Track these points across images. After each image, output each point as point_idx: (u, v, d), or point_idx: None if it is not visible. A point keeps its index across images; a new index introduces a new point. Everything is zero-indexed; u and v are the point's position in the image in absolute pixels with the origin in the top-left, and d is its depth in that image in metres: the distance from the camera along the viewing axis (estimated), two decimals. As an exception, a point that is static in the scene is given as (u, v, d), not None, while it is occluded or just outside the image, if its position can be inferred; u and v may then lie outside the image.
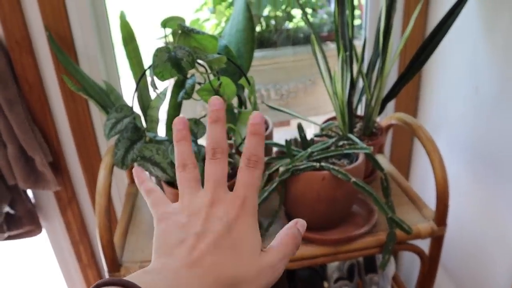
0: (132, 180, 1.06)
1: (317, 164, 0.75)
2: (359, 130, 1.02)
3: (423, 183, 1.24)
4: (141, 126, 0.87)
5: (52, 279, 1.36)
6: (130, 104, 0.86)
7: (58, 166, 1.06)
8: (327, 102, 1.48)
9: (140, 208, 0.98)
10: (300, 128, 0.87)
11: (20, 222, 1.12)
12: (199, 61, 0.75)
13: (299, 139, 0.87)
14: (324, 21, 1.35)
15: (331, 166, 0.75)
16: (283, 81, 1.30)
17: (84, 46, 0.95)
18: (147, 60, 1.01)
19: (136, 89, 0.83)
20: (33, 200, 1.14)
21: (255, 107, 0.80)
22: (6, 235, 1.12)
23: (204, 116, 0.86)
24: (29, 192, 1.13)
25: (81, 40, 0.94)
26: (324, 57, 0.99)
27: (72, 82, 0.89)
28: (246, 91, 0.83)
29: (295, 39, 1.33)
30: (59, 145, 1.04)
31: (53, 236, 1.19)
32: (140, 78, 0.82)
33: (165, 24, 0.76)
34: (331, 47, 1.27)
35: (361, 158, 0.79)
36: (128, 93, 1.04)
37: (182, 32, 0.74)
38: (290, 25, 1.36)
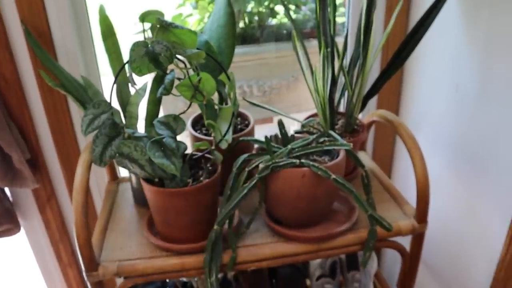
0: (112, 178, 1.04)
1: (297, 161, 0.75)
2: (341, 127, 1.02)
3: (405, 180, 1.25)
4: (120, 122, 0.85)
5: (32, 279, 1.34)
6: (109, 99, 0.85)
7: (36, 163, 1.04)
8: (310, 99, 1.47)
9: (120, 205, 0.96)
10: (280, 124, 0.87)
11: (-3, 220, 1.09)
12: (179, 56, 0.74)
13: (279, 135, 0.86)
14: (307, 17, 1.34)
15: (311, 163, 0.74)
16: (266, 77, 1.29)
17: (63, 40, 0.93)
18: (127, 56, 0.99)
19: (114, 84, 0.82)
20: (11, 198, 1.12)
21: (235, 104, 0.80)
22: (-17, 233, 1.09)
23: (184, 112, 0.85)
24: (7, 190, 1.11)
25: (59, 34, 0.92)
26: (306, 53, 0.99)
27: (49, 78, 0.87)
28: (227, 87, 0.82)
29: (278, 35, 1.32)
30: (37, 142, 1.02)
31: (32, 235, 1.17)
32: (118, 73, 0.81)
33: (143, 18, 0.75)
34: (313, 43, 1.27)
35: (341, 154, 0.79)
36: (109, 89, 1.03)
37: (161, 26, 0.73)
38: (273, 21, 1.35)
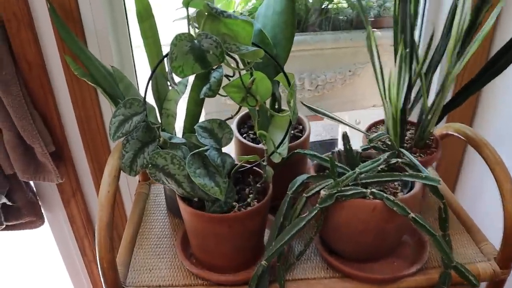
0: (144, 177, 0.93)
1: (368, 191, 0.61)
2: (410, 139, 0.86)
3: (472, 205, 1.08)
4: (155, 125, 0.73)
5: (56, 272, 1.27)
6: (143, 94, 0.72)
7: (62, 156, 0.94)
8: (366, 95, 1.32)
9: (150, 213, 0.85)
10: (345, 138, 0.72)
11: (19, 212, 1.01)
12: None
13: (343, 151, 0.72)
14: (370, 4, 1.17)
15: (385, 195, 0.60)
16: (319, 70, 1.14)
17: (93, 22, 0.80)
18: (166, 41, 0.86)
19: (151, 78, 0.69)
20: (35, 190, 1.03)
21: (294, 112, 0.65)
22: (3, 225, 1.02)
23: (231, 117, 0.72)
24: (32, 182, 1.02)
25: (89, 15, 0.79)
26: (377, 52, 0.83)
27: (76, 65, 0.75)
28: (288, 95, 0.68)
29: (335, 22, 1.16)
30: (63, 133, 0.92)
31: (56, 229, 1.09)
32: (156, 66, 0.68)
33: (187, 2, 0.61)
34: (376, 35, 1.10)
35: (418, 186, 0.64)
36: (144, 80, 0.91)
37: (209, 14, 0.59)
38: (329, 6, 1.19)
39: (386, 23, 1.19)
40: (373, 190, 0.61)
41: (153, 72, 0.68)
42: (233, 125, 0.85)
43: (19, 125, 0.84)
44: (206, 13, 0.59)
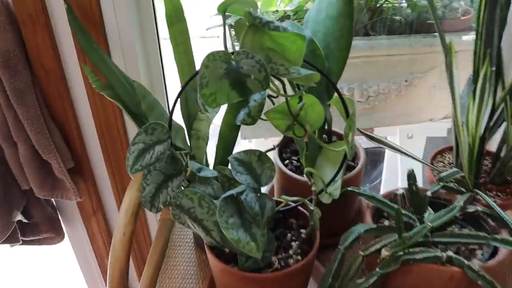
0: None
1: (443, 256, 0.48)
2: (485, 172, 0.72)
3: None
4: (182, 151, 0.62)
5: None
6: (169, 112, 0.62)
7: (81, 172, 0.85)
8: (424, 108, 1.16)
9: (176, 246, 0.74)
10: (411, 177, 0.59)
11: (37, 228, 0.93)
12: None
13: (406, 191, 0.58)
14: (434, 4, 1.01)
15: (466, 262, 0.47)
16: (372, 80, 0.99)
17: (117, 25, 0.70)
18: (198, 49, 0.75)
19: (178, 97, 0.58)
20: (55, 204, 0.95)
21: (351, 148, 0.52)
22: (20, 242, 0.94)
23: (273, 148, 0.60)
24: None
25: (112, 17, 0.69)
26: (450, 63, 0.68)
27: (95, 76, 0.65)
28: (346, 127, 0.55)
29: (391, 25, 1.01)
30: (83, 148, 0.83)
31: (77, 246, 1.01)
32: (185, 84, 0.56)
33: (224, 8, 0.49)
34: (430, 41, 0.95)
35: (504, 252, 0.50)
36: (174, 94, 0.80)
37: (252, 25, 0.46)
38: (384, 5, 1.04)
39: (451, 26, 1.04)
40: (450, 254, 0.48)
41: (181, 91, 0.57)
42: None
43: (34, 139, 0.76)
44: (248, 23, 0.47)
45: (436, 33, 0.99)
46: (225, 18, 0.49)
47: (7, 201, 0.85)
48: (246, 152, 0.56)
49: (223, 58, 0.42)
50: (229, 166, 0.55)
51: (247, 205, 0.51)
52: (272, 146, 0.58)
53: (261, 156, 0.55)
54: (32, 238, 0.95)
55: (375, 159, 1.68)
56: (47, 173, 0.82)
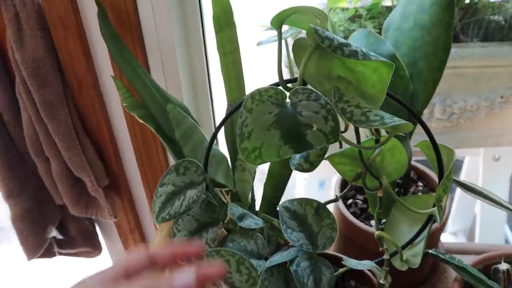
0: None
1: None
2: None
3: None
4: (223, 187, 0.51)
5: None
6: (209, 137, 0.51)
7: (118, 189, 0.77)
8: (519, 129, 0.97)
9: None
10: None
11: (74, 243, 0.87)
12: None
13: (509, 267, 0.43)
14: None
15: None
16: (458, 94, 0.83)
17: (156, 33, 0.59)
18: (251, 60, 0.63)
19: (220, 127, 0.46)
20: (93, 217, 0.89)
21: (441, 213, 0.38)
22: (57, 255, 0.89)
23: (336, 199, 0.47)
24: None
25: (151, 24, 0.59)
26: None
27: (127, 92, 0.55)
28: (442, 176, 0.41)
29: (487, 29, 0.82)
30: (119, 165, 0.74)
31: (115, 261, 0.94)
32: (232, 111, 0.45)
33: (281, 21, 0.36)
34: None
35: None
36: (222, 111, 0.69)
37: (317, 46, 0.34)
38: (479, 3, 0.85)
39: None
40: None
41: (225, 119, 0.46)
42: (334, 184, 0.60)
43: (66, 155, 0.68)
44: (311, 44, 0.34)
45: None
46: (281, 36, 0.36)
47: (41, 217, 0.79)
48: (301, 201, 0.43)
49: (274, 99, 0.30)
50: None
51: (297, 279, 0.39)
52: (335, 197, 0.45)
53: (320, 209, 0.43)
54: (69, 251, 0.90)
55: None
56: (81, 191, 0.75)
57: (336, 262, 0.45)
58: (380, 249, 0.42)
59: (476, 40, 0.81)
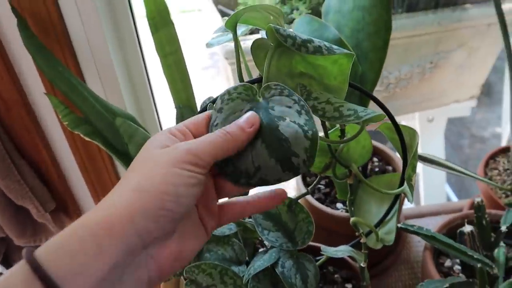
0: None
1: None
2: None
3: None
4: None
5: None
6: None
7: (67, 210, 0.72)
8: (448, 91, 1.03)
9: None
10: (479, 209, 0.47)
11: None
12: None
13: (474, 230, 0.46)
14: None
15: None
16: (392, 65, 0.86)
17: (86, 37, 0.54)
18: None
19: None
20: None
21: (412, 188, 0.40)
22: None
23: (306, 193, 0.47)
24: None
25: (79, 28, 0.54)
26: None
27: (65, 108, 0.51)
28: (408, 169, 0.41)
29: (410, 1, 0.86)
30: (64, 184, 0.69)
31: None
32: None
33: (235, 22, 0.35)
34: (470, 14, 0.80)
35: None
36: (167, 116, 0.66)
37: (278, 45, 0.32)
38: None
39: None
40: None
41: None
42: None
43: (3, 184, 0.62)
44: (272, 43, 0.33)
45: (466, 5, 0.85)
46: (237, 38, 0.34)
47: (-19, 253, 0.72)
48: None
49: (244, 95, 0.29)
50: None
51: (285, 280, 0.39)
52: (306, 191, 0.45)
53: (292, 205, 0.43)
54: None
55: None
56: (25, 219, 0.69)
57: (313, 252, 0.45)
58: (357, 233, 0.43)
59: (401, 11, 0.84)
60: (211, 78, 1.90)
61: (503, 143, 1.03)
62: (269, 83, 0.30)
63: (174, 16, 0.53)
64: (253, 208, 0.31)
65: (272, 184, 0.29)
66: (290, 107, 0.29)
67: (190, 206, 0.27)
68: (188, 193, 0.26)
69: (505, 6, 0.85)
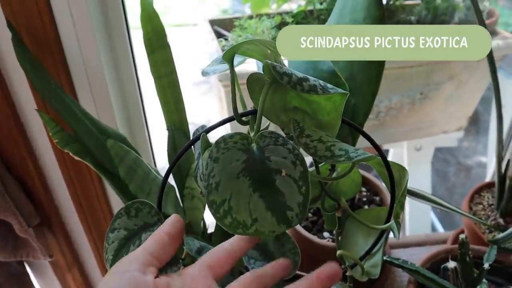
0: None
1: None
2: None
3: None
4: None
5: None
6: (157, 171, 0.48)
7: (51, 226, 0.71)
8: (437, 121, 1.05)
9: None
10: (463, 245, 0.47)
11: (1, 289, 0.79)
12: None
13: (456, 264, 0.47)
14: (457, 7, 0.88)
15: None
16: (383, 94, 0.87)
17: (81, 54, 0.55)
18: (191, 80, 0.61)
19: (172, 169, 0.44)
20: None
21: (398, 229, 0.40)
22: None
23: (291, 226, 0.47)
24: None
25: (75, 45, 0.54)
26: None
27: (56, 126, 0.50)
28: (396, 206, 0.42)
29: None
30: (50, 200, 0.68)
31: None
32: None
33: (232, 55, 0.35)
34: None
35: None
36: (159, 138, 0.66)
37: (273, 81, 0.33)
38: (392, 1, 0.91)
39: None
40: None
41: (180, 154, 0.43)
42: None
43: (-14, 197, 0.61)
44: (268, 79, 0.33)
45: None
46: (233, 70, 0.35)
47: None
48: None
49: (240, 145, 0.29)
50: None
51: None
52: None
53: (280, 236, 0.43)
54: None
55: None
56: (6, 233, 0.67)
57: (299, 282, 0.45)
58: (342, 266, 0.43)
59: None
60: (203, 94, 1.90)
61: (489, 173, 1.04)
62: (263, 131, 0.31)
63: (169, 30, 0.53)
64: None
65: (266, 236, 0.29)
66: (285, 157, 0.30)
67: None
68: None
69: (493, 43, 0.88)
